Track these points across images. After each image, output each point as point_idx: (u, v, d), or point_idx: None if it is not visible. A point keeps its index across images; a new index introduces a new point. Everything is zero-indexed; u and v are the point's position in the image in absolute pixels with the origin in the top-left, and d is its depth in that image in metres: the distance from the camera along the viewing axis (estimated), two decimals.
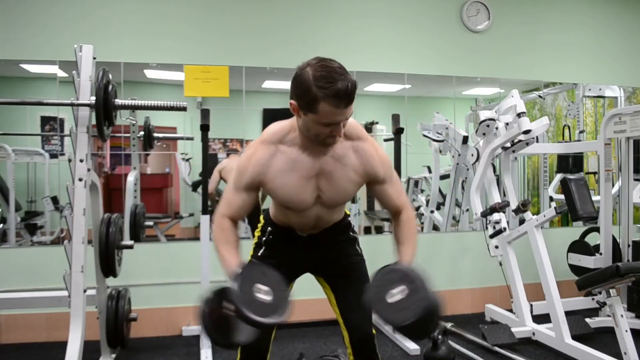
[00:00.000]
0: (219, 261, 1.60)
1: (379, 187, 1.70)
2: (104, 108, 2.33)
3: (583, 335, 3.18)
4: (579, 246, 3.55)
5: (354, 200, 4.09)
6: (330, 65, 1.45)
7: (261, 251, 1.84)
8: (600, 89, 4.39)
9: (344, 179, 1.64)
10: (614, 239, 3.39)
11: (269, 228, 1.85)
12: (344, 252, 1.86)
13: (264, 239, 1.86)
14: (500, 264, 3.46)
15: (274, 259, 1.80)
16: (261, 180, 1.61)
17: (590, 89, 4.38)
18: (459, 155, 4.16)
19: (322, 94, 1.42)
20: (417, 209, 4.73)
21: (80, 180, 2.28)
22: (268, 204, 1.92)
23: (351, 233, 1.90)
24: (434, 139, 4.30)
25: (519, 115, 3.14)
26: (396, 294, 1.49)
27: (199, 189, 3.95)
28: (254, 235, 1.93)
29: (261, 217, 1.92)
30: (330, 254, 1.84)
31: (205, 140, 3.05)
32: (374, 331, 1.80)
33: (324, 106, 1.44)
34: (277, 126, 1.65)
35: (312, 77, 1.43)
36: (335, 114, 1.46)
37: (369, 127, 4.24)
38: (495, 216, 3.32)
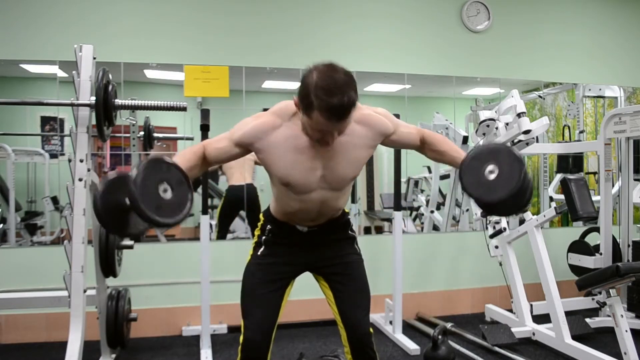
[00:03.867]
0: None
1: (394, 137, 1.74)
2: (104, 108, 2.33)
3: (583, 335, 3.18)
4: (579, 246, 3.55)
5: (354, 200, 4.09)
6: (335, 75, 1.45)
7: (261, 250, 1.84)
8: (600, 89, 4.39)
9: (355, 149, 1.65)
10: (614, 239, 3.39)
11: (269, 226, 1.85)
12: (342, 251, 1.87)
13: (263, 237, 1.86)
14: (500, 264, 3.46)
15: (274, 258, 1.81)
16: (253, 144, 1.61)
17: (590, 89, 4.38)
18: None
19: (317, 104, 1.44)
20: (417, 209, 4.73)
21: (80, 180, 2.28)
22: (269, 203, 1.92)
23: (349, 232, 1.91)
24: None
25: (519, 115, 3.14)
26: (490, 171, 1.54)
27: (199, 189, 3.95)
28: (253, 235, 1.93)
29: (261, 216, 1.92)
30: (328, 253, 1.84)
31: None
32: (371, 329, 1.80)
33: (317, 115, 1.46)
34: (288, 103, 1.65)
35: (314, 83, 1.45)
36: (326, 125, 1.48)
37: None
38: (495, 216, 3.32)
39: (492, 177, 1.53)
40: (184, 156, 1.60)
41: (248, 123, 1.63)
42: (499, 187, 1.52)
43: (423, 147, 1.80)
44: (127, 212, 1.46)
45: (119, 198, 1.45)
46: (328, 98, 1.42)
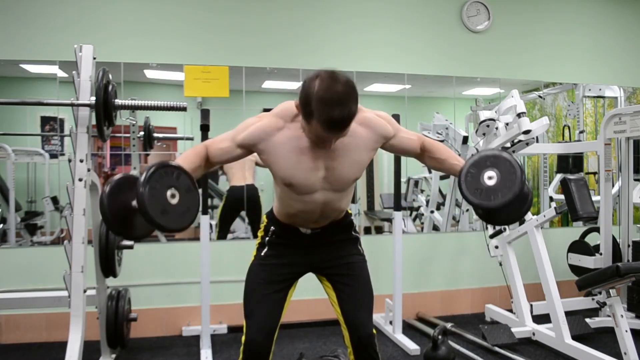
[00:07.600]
0: None
1: (394, 141, 1.75)
2: (104, 108, 2.32)
3: (583, 335, 3.18)
4: (579, 246, 3.55)
5: (354, 200, 4.09)
6: (335, 87, 1.45)
7: (264, 251, 1.85)
8: (600, 89, 4.39)
9: (357, 150, 1.66)
10: (614, 239, 3.39)
11: (272, 227, 1.86)
12: (345, 252, 1.87)
13: (267, 239, 1.86)
14: (500, 264, 3.46)
15: (278, 259, 1.81)
16: (256, 145, 1.62)
17: (590, 89, 4.38)
18: (459, 155, 4.15)
19: (317, 115, 1.45)
20: (417, 209, 4.73)
21: (80, 180, 2.28)
22: (271, 204, 1.92)
23: (353, 232, 1.91)
24: (434, 139, 4.29)
25: (519, 115, 3.14)
26: (489, 177, 1.55)
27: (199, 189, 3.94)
28: (256, 236, 1.93)
29: (264, 217, 1.93)
30: (332, 254, 1.85)
31: (205, 140, 3.05)
32: (374, 330, 1.80)
33: (316, 125, 1.48)
34: (290, 104, 1.65)
35: (315, 93, 1.45)
36: (325, 135, 1.50)
37: None
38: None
39: (490, 183, 1.53)
40: (187, 158, 1.61)
41: (251, 124, 1.63)
42: (498, 192, 1.52)
43: (423, 154, 1.81)
44: (133, 214, 1.46)
45: (126, 200, 1.45)
46: (328, 111, 1.43)
